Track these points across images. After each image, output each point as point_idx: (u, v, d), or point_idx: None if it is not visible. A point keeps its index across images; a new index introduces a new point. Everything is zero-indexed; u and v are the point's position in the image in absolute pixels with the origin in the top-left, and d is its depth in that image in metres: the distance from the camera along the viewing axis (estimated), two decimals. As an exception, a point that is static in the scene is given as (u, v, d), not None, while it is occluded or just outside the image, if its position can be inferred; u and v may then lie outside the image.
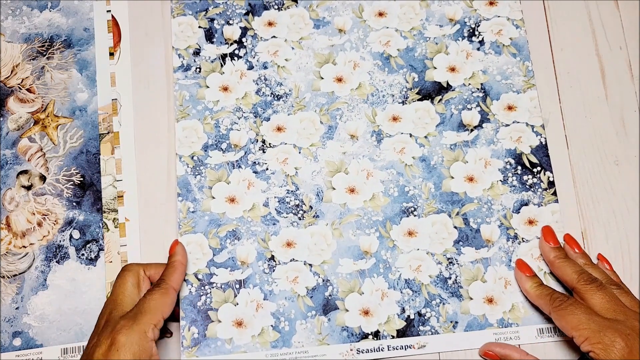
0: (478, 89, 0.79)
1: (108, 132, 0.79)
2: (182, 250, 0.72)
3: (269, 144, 0.77)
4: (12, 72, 0.81)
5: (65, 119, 0.79)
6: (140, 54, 0.82)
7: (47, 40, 0.82)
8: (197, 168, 0.76)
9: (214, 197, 0.76)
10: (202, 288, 0.72)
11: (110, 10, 0.83)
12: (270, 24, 0.82)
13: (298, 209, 0.75)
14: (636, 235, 0.75)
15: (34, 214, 0.76)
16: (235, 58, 0.81)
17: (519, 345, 0.70)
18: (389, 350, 0.70)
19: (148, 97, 0.81)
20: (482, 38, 0.81)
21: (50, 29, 0.83)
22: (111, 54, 0.82)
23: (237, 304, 0.72)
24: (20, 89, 0.81)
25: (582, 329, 0.63)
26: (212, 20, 0.82)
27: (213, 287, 0.72)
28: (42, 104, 0.80)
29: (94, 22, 0.83)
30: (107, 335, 0.63)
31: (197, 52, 0.81)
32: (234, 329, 0.71)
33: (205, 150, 0.77)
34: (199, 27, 0.82)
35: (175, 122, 0.79)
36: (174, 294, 0.68)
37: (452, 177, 0.76)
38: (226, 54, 0.81)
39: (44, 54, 0.82)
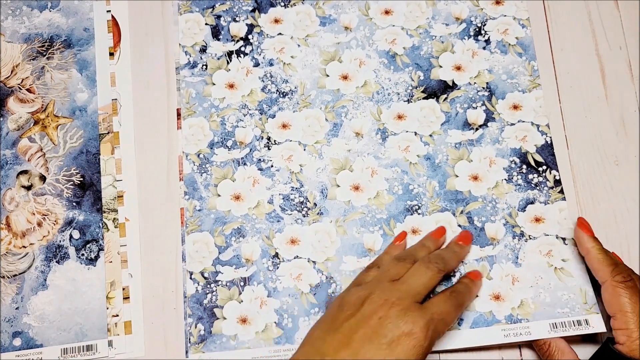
0: (483, 87, 0.82)
1: (108, 132, 0.82)
2: None
3: (274, 141, 0.81)
4: (12, 72, 0.84)
5: (65, 119, 0.82)
6: (140, 54, 0.85)
7: (47, 40, 0.85)
8: (203, 166, 0.80)
9: (219, 195, 0.79)
10: (208, 286, 0.76)
11: (110, 10, 0.87)
12: (276, 21, 0.85)
13: (302, 206, 0.78)
14: (636, 235, 0.78)
15: (34, 214, 0.79)
16: (242, 55, 0.84)
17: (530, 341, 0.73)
18: (392, 346, 0.73)
19: (148, 97, 0.84)
20: (488, 37, 0.84)
21: (50, 29, 0.86)
22: (111, 54, 0.85)
23: (242, 301, 0.75)
24: (20, 89, 0.84)
25: (629, 318, 0.65)
26: (218, 17, 0.85)
27: (218, 285, 0.76)
28: (42, 104, 0.83)
29: (94, 22, 0.86)
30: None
31: (203, 49, 0.84)
32: (238, 325, 0.74)
33: (211, 148, 0.80)
34: (206, 24, 0.85)
35: (180, 120, 0.81)
36: None
37: (457, 176, 0.79)
38: (232, 51, 0.84)
39: (44, 54, 0.85)
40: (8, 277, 0.78)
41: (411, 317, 0.64)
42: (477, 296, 0.74)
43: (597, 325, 0.72)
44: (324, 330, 0.66)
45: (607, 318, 0.70)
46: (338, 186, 0.79)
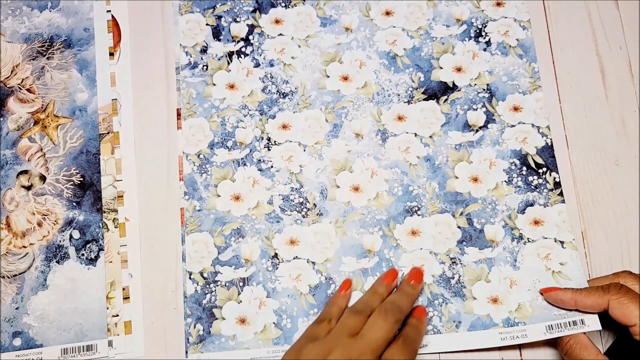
0: (484, 89, 0.83)
1: (108, 132, 0.83)
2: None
3: (274, 141, 0.82)
4: (12, 72, 0.86)
5: (65, 119, 0.84)
6: (140, 54, 0.87)
7: (47, 40, 0.87)
8: (203, 166, 0.81)
9: (219, 195, 0.81)
10: (207, 286, 0.77)
11: (110, 10, 0.88)
12: (277, 21, 0.87)
13: (302, 207, 0.80)
14: (636, 235, 0.79)
15: (34, 214, 0.81)
16: (242, 56, 0.86)
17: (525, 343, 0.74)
18: (389, 348, 0.74)
19: (148, 97, 0.85)
20: (489, 39, 0.86)
21: (50, 29, 0.87)
22: (111, 54, 0.87)
23: (241, 301, 0.77)
24: (21, 89, 0.85)
25: None
26: (219, 17, 0.87)
27: (218, 285, 0.77)
28: (42, 104, 0.84)
29: (94, 22, 0.88)
30: None
31: (204, 50, 0.86)
32: (237, 326, 0.76)
33: (212, 149, 0.82)
34: (207, 24, 0.87)
35: (180, 120, 0.83)
36: None
37: (457, 177, 0.80)
38: (233, 52, 0.86)
39: (44, 54, 0.86)
40: (8, 277, 0.79)
41: None
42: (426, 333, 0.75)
43: (592, 324, 0.73)
44: None
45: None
46: (338, 187, 0.81)
